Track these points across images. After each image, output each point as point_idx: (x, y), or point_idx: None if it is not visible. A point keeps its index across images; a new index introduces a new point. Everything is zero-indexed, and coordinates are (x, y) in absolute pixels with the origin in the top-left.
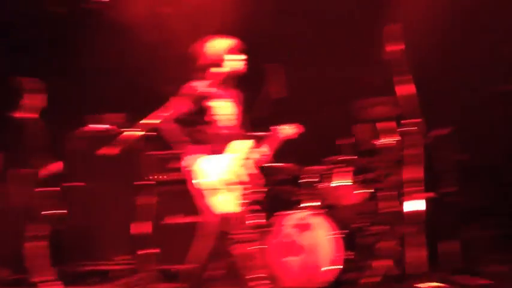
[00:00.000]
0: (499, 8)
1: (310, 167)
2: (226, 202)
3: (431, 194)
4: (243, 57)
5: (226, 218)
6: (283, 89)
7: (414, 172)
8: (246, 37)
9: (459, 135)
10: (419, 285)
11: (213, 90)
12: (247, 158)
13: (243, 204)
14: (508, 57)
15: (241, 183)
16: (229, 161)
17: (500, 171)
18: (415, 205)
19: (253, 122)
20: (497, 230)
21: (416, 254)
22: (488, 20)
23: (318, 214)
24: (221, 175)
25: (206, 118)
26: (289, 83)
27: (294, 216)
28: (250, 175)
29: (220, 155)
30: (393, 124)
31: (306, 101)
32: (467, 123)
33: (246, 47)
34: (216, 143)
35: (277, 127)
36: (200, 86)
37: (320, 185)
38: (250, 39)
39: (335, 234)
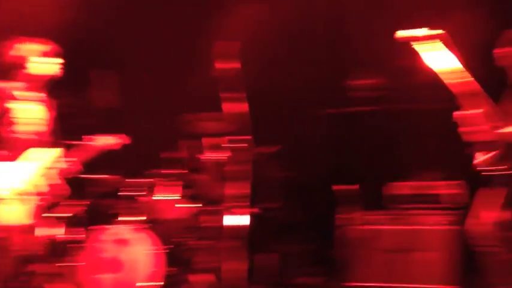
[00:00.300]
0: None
1: (131, 180)
2: (15, 213)
3: (255, 210)
4: (58, 61)
5: (12, 232)
6: (111, 97)
7: (240, 188)
8: (74, 42)
9: (286, 153)
10: None
11: (19, 92)
12: (51, 168)
13: (35, 217)
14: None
15: (38, 193)
16: (26, 169)
17: (321, 188)
18: (239, 220)
19: (69, 130)
20: (313, 244)
21: (238, 268)
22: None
23: (139, 229)
24: (14, 184)
25: (5, 121)
26: (120, 92)
27: (113, 231)
28: (51, 185)
29: (16, 162)
30: (221, 140)
31: (135, 111)
32: (294, 141)
33: (72, 53)
34: (13, 149)
35: (93, 137)
36: (3, 87)
37: (142, 199)
38: (78, 45)
39: (156, 249)
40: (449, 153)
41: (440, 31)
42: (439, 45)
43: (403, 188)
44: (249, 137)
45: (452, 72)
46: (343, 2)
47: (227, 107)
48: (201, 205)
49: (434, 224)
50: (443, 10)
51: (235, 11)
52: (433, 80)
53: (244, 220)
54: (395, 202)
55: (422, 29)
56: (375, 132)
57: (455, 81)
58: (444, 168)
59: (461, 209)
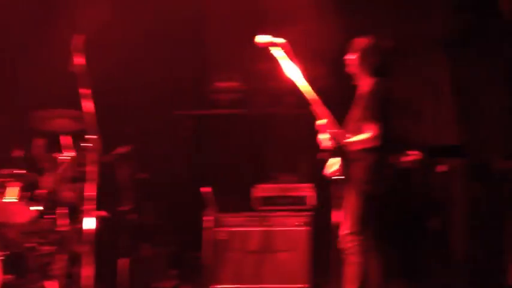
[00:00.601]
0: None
1: None
2: None
3: (103, 213)
4: None
5: None
6: None
7: (88, 190)
8: None
9: (140, 155)
10: None
11: None
12: None
13: None
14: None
15: None
16: None
17: (177, 190)
18: (86, 223)
19: None
20: (169, 247)
21: (84, 274)
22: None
23: None
24: None
25: None
26: None
27: None
28: None
29: None
30: (70, 139)
31: None
32: (148, 143)
33: None
34: None
35: None
36: None
37: None
38: None
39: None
40: (306, 157)
41: (281, 40)
42: (281, 53)
43: (266, 190)
44: (96, 137)
45: (295, 80)
46: (204, 4)
47: (82, 104)
48: (48, 208)
49: (289, 225)
50: (299, 18)
51: (88, 6)
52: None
53: (91, 223)
54: (258, 204)
55: (266, 36)
56: (236, 134)
57: (300, 89)
58: (301, 171)
59: (313, 211)
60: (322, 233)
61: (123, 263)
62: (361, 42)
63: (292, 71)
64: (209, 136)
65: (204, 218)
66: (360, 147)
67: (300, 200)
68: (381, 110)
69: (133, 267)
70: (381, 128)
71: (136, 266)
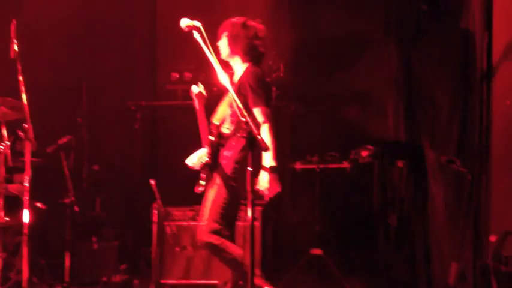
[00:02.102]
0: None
1: None
2: None
3: (41, 204)
4: None
5: None
6: None
7: (25, 181)
8: None
9: (92, 146)
10: None
11: None
12: None
13: None
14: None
15: None
16: None
17: (130, 182)
18: (24, 215)
19: None
20: (119, 240)
21: (27, 266)
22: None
23: None
24: None
25: None
26: None
27: None
28: None
29: None
30: (3, 128)
31: None
32: (100, 134)
33: None
34: None
35: None
36: None
37: None
38: None
39: None
40: None
41: (197, 22)
42: (200, 36)
43: None
44: (28, 127)
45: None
46: None
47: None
48: None
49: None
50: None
51: None
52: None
53: (27, 215)
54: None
55: (186, 19)
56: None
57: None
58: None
59: (265, 205)
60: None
61: (69, 257)
62: (230, 23)
63: (210, 56)
64: (162, 128)
65: (155, 211)
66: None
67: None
68: (264, 93)
69: (81, 260)
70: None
71: (85, 260)
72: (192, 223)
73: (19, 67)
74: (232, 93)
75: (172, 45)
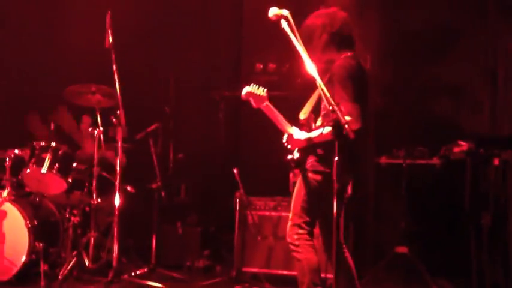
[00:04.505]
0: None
1: (10, 150)
2: None
3: (132, 189)
4: None
5: None
6: None
7: (118, 165)
8: None
9: (177, 134)
10: (122, 277)
11: None
12: None
13: None
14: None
15: None
16: None
17: (212, 170)
18: (116, 198)
19: None
20: (202, 226)
21: (117, 247)
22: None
23: (13, 201)
24: None
25: None
26: None
27: None
28: None
29: None
30: (97, 114)
31: None
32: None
33: None
34: None
35: None
36: None
37: (23, 170)
38: None
39: (29, 223)
40: None
41: (285, 11)
42: (285, 26)
43: None
44: (120, 113)
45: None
46: None
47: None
48: (78, 181)
49: None
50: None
51: None
52: None
53: (119, 198)
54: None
55: (273, 7)
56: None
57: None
58: None
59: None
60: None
61: (154, 239)
62: (320, 14)
63: (298, 45)
64: (245, 118)
65: (235, 200)
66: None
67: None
68: (356, 88)
69: (167, 244)
70: (360, 110)
71: (170, 243)
72: (274, 213)
73: (113, 56)
74: (319, 82)
75: (257, 36)
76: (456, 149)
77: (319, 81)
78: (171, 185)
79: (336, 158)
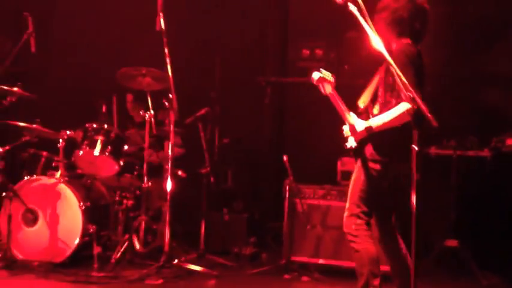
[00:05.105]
0: None
1: (63, 131)
2: None
3: (183, 174)
4: None
5: None
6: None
7: (170, 149)
8: None
9: (223, 119)
10: (173, 262)
11: None
12: None
13: None
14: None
15: None
16: None
17: (257, 157)
18: (168, 182)
19: None
20: (250, 213)
21: (168, 232)
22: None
23: (67, 182)
24: None
25: None
26: None
27: (39, 182)
28: None
29: None
30: (149, 97)
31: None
32: (231, 108)
33: None
34: None
35: None
36: None
37: (75, 152)
38: None
39: (82, 205)
40: None
41: None
42: (357, 9)
43: (351, 163)
44: (172, 97)
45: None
46: None
47: (166, 64)
48: (131, 164)
49: None
50: None
51: None
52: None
53: (172, 183)
54: (342, 178)
55: None
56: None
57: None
58: None
59: None
60: None
61: (203, 225)
62: None
63: (368, 29)
64: (293, 104)
65: (285, 188)
66: (396, 123)
67: None
68: (416, 75)
69: (214, 230)
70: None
71: (216, 230)
72: (323, 202)
73: (164, 40)
74: (389, 60)
75: (304, 22)
76: (509, 141)
77: (388, 58)
78: (217, 171)
79: (416, 148)
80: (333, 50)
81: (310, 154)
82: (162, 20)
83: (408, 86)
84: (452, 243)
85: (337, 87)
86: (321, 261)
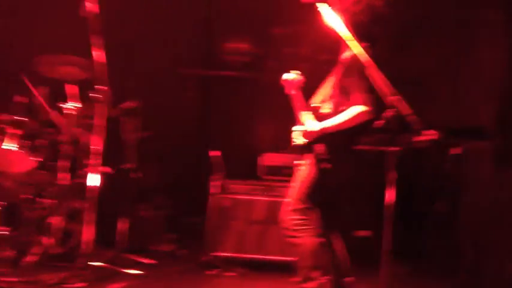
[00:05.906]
0: None
1: None
2: None
3: (108, 169)
4: None
5: None
6: None
7: (93, 143)
8: None
9: (146, 112)
10: (88, 263)
11: None
12: None
13: None
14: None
15: None
16: None
17: (178, 152)
18: (89, 179)
19: None
20: (168, 210)
21: (86, 231)
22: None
23: None
24: None
25: None
26: None
27: None
28: None
29: None
30: (76, 88)
31: None
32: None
33: None
34: None
35: None
36: None
37: None
38: None
39: None
40: None
41: None
42: (328, 9)
43: (273, 159)
44: (105, 88)
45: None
46: None
47: (92, 53)
48: (48, 159)
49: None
50: None
51: None
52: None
53: (95, 179)
54: (264, 173)
55: None
56: (245, 99)
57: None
58: None
59: None
60: None
61: (122, 223)
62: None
63: (342, 30)
64: (217, 98)
65: (211, 183)
66: (349, 125)
67: None
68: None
69: (132, 227)
70: (372, 100)
71: (135, 227)
72: (246, 197)
73: (92, 27)
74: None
75: (230, 16)
76: (419, 138)
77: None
78: (139, 166)
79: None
80: (258, 45)
81: (233, 149)
82: (90, 5)
83: (389, 89)
84: (364, 233)
85: (262, 83)
86: (244, 255)
